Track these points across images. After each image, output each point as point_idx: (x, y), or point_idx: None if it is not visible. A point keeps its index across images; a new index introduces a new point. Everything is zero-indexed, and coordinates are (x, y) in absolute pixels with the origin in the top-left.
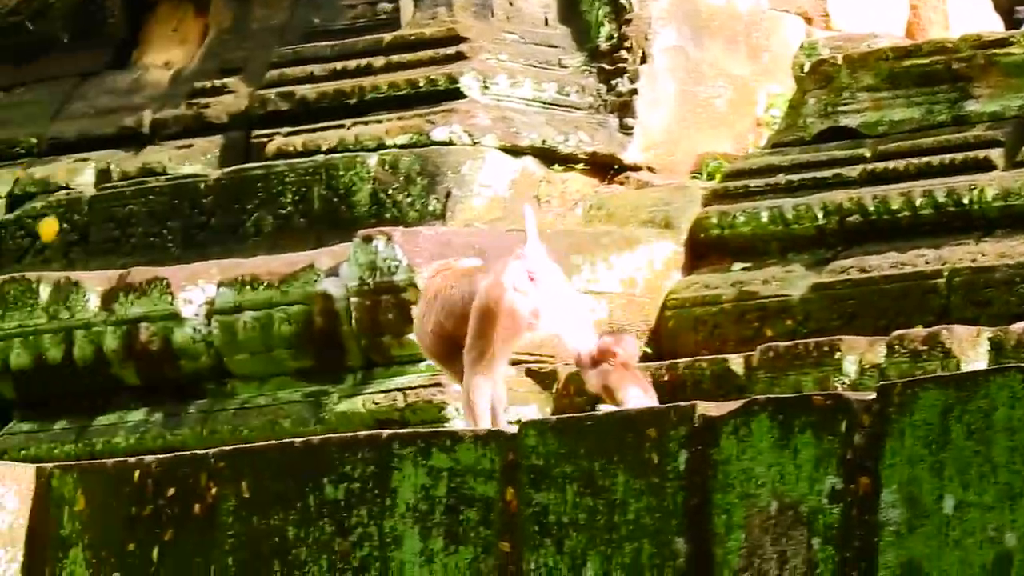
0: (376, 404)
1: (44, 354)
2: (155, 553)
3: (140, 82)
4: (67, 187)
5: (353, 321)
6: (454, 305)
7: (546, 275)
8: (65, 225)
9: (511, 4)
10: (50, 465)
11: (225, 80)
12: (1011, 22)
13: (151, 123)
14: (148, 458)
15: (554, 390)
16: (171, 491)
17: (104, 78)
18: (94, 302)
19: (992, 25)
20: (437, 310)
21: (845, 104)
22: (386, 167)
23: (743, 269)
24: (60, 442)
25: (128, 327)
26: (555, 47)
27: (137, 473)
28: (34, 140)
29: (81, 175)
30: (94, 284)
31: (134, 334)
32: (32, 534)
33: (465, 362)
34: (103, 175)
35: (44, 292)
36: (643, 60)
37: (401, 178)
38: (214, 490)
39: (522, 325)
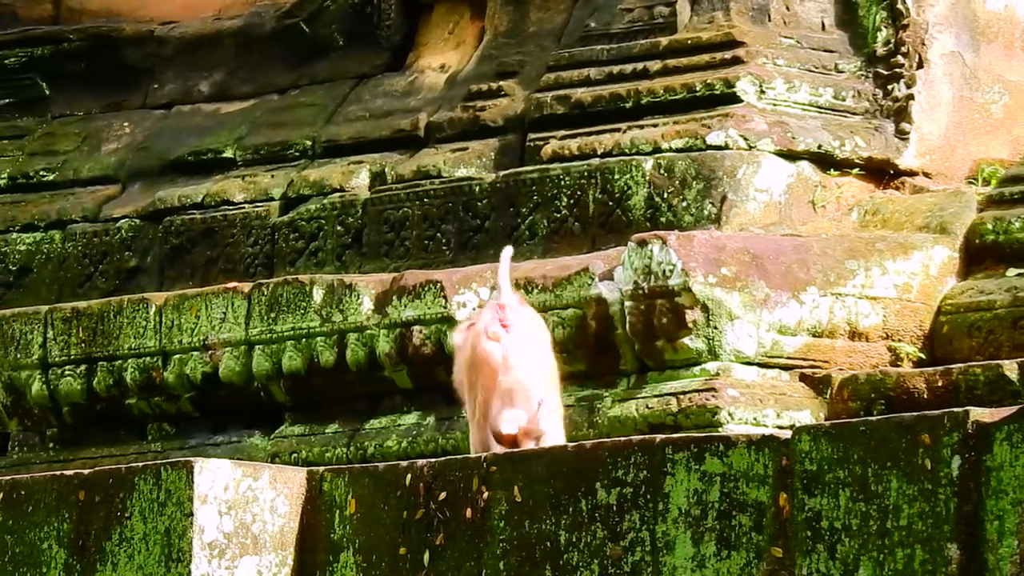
0: (649, 408)
1: (317, 357)
2: (426, 557)
3: (415, 85)
4: (341, 189)
5: (627, 325)
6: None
7: (519, 320)
8: (339, 228)
9: (788, 9)
10: (322, 468)
11: (501, 83)
12: None
13: (426, 126)
14: (420, 462)
15: (828, 395)
16: (442, 495)
17: (379, 81)
18: (367, 305)
19: None
20: (464, 364)
21: None
22: (661, 171)
23: (1018, 275)
24: (332, 445)
25: (401, 330)
26: (831, 52)
27: (409, 477)
28: (309, 142)
29: (356, 177)
30: (367, 287)
31: (407, 337)
32: (303, 537)
33: (467, 412)
34: (378, 178)
35: (317, 295)
36: (919, 65)
37: (676, 182)
38: (486, 494)
39: (496, 370)
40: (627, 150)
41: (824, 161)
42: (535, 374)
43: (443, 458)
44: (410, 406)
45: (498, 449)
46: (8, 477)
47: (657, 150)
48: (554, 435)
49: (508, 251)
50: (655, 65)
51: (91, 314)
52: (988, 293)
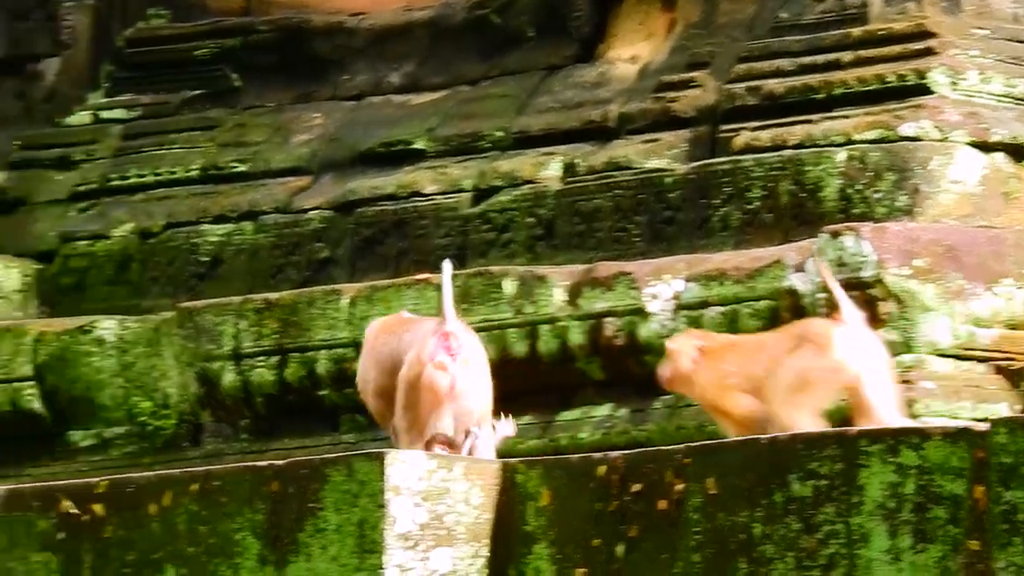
0: (844, 401)
1: (509, 348)
2: (620, 549)
3: (606, 76)
4: (532, 181)
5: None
6: (384, 360)
7: (466, 348)
8: (530, 219)
9: (980, 0)
10: (515, 460)
11: (692, 74)
12: None
13: (617, 117)
14: (613, 454)
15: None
16: (636, 487)
17: (570, 72)
18: (559, 296)
19: None
20: (372, 364)
21: None
22: (854, 162)
23: None
24: (524, 437)
25: (593, 322)
26: None
27: (602, 469)
28: (500, 134)
29: (547, 169)
30: (559, 278)
31: (599, 329)
32: (497, 529)
33: (398, 428)
34: (568, 169)
35: (509, 286)
36: None
37: (869, 173)
38: (680, 486)
39: (443, 399)
40: (819, 141)
41: (1018, 152)
42: (481, 403)
43: (637, 450)
44: (602, 398)
45: None
46: (202, 468)
47: (849, 141)
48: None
49: (448, 269)
50: (847, 56)
51: (283, 305)
52: None
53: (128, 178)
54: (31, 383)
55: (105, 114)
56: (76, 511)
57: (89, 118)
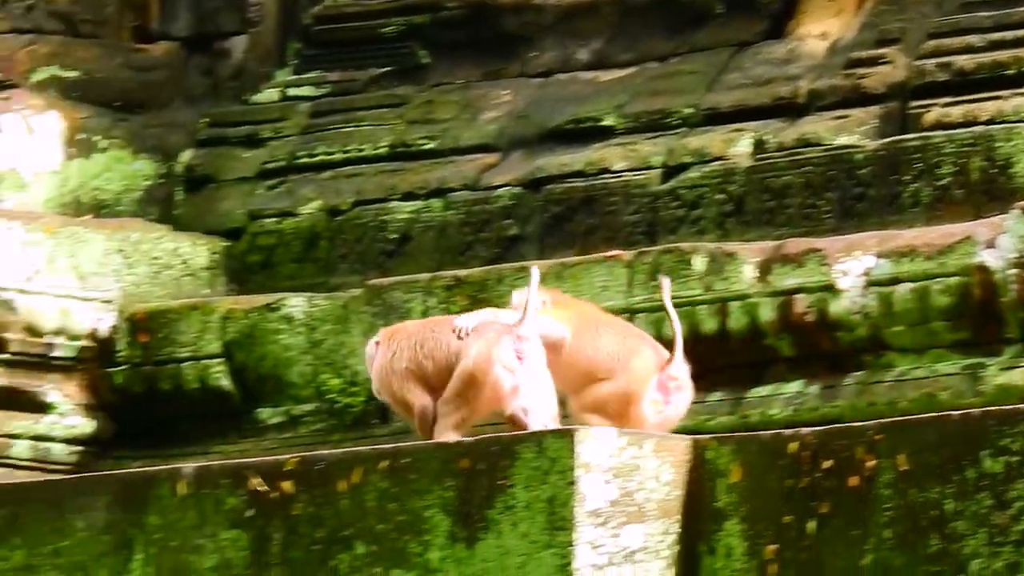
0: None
1: (699, 325)
2: (811, 526)
3: (795, 53)
4: (722, 157)
5: (1011, 293)
6: (438, 353)
7: (534, 354)
8: (720, 196)
9: None
10: (705, 437)
11: (882, 51)
12: None
13: (807, 94)
14: (804, 430)
15: None
16: (827, 463)
17: (759, 49)
18: (749, 273)
19: None
20: (417, 350)
21: None
22: None
23: None
24: (714, 414)
25: (783, 298)
26: None
27: (794, 445)
28: (689, 110)
29: (736, 145)
30: (749, 255)
31: (789, 305)
32: (687, 506)
33: (440, 411)
34: (758, 146)
35: (699, 263)
36: None
37: None
38: (871, 463)
39: (504, 401)
40: (1010, 117)
41: None
42: (542, 408)
43: (828, 426)
44: (793, 374)
45: None
46: (391, 445)
47: None
48: None
49: (536, 274)
50: None
51: (472, 282)
52: None
53: (316, 156)
54: (220, 360)
55: (293, 91)
56: (265, 488)
57: (277, 95)
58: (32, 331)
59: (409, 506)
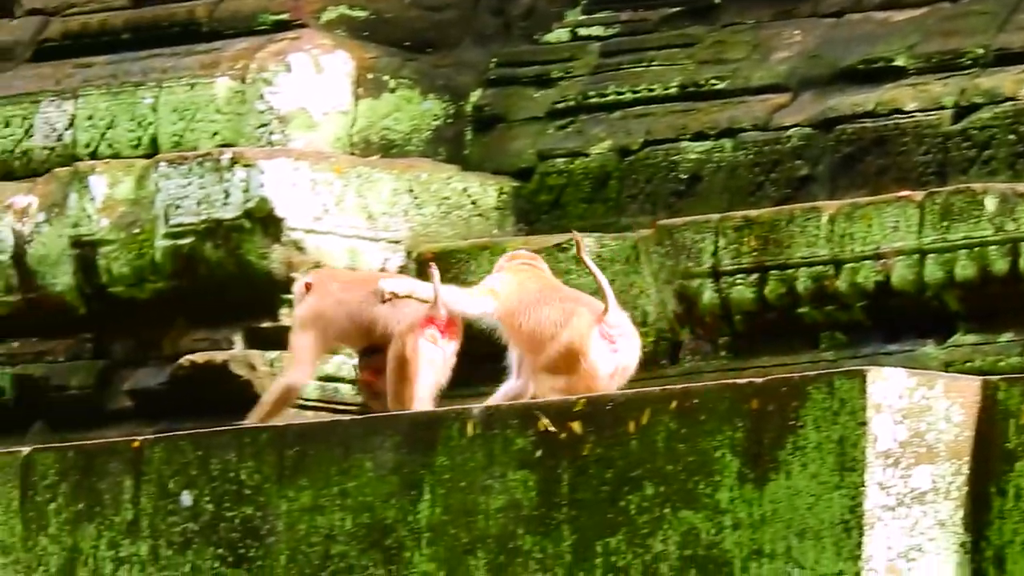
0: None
1: (989, 266)
2: None
3: None
4: (1014, 98)
5: None
6: (356, 311)
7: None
8: (1011, 136)
9: None
10: (996, 378)
11: None
12: None
13: None
14: None
15: None
16: None
17: None
18: None
19: None
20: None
21: None
22: None
23: None
24: (1005, 354)
25: None
26: None
27: None
28: (980, 50)
29: None
30: None
31: None
32: (977, 447)
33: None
34: None
35: (990, 204)
36: None
37: None
38: None
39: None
40: None
41: None
42: None
43: None
44: None
45: None
46: (680, 386)
47: None
48: None
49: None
50: None
51: (763, 223)
52: None
53: (607, 96)
54: None
55: (583, 31)
56: (554, 429)
57: (567, 35)
58: None
59: (699, 447)
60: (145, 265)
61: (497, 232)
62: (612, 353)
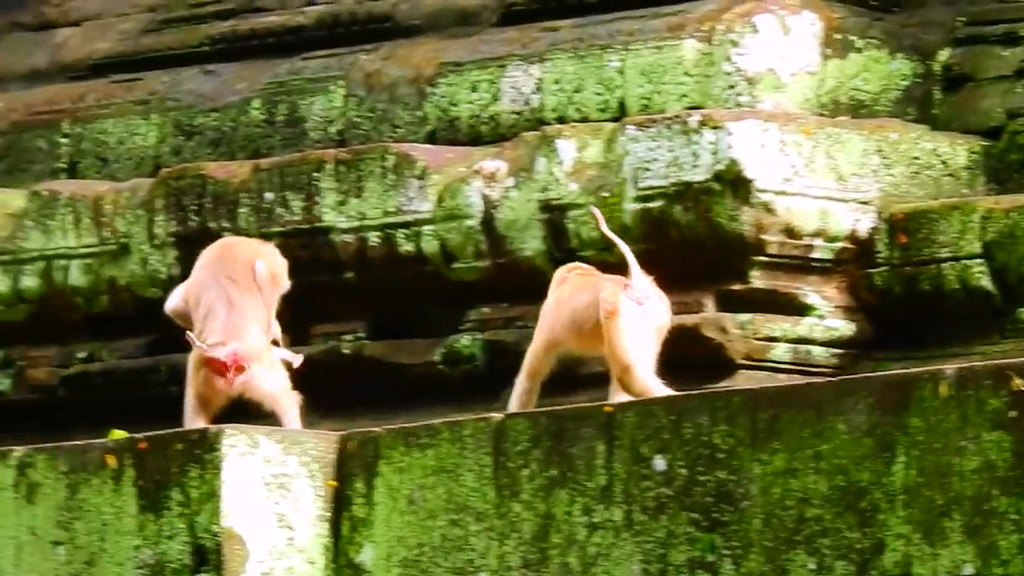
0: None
1: None
2: None
3: None
4: None
5: None
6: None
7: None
8: None
9: None
10: None
11: None
12: None
13: None
14: None
15: None
16: None
17: None
18: None
19: None
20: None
21: None
22: None
23: None
24: None
25: None
26: None
27: None
28: None
29: None
30: None
31: None
32: None
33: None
34: None
35: None
36: None
37: None
38: None
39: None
40: None
41: None
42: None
43: None
44: None
45: None
46: None
47: None
48: None
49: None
50: None
51: None
52: None
53: None
54: (980, 261)
55: None
56: None
57: None
58: (791, 233)
59: None
60: (615, 229)
61: (967, 192)
62: (642, 313)
